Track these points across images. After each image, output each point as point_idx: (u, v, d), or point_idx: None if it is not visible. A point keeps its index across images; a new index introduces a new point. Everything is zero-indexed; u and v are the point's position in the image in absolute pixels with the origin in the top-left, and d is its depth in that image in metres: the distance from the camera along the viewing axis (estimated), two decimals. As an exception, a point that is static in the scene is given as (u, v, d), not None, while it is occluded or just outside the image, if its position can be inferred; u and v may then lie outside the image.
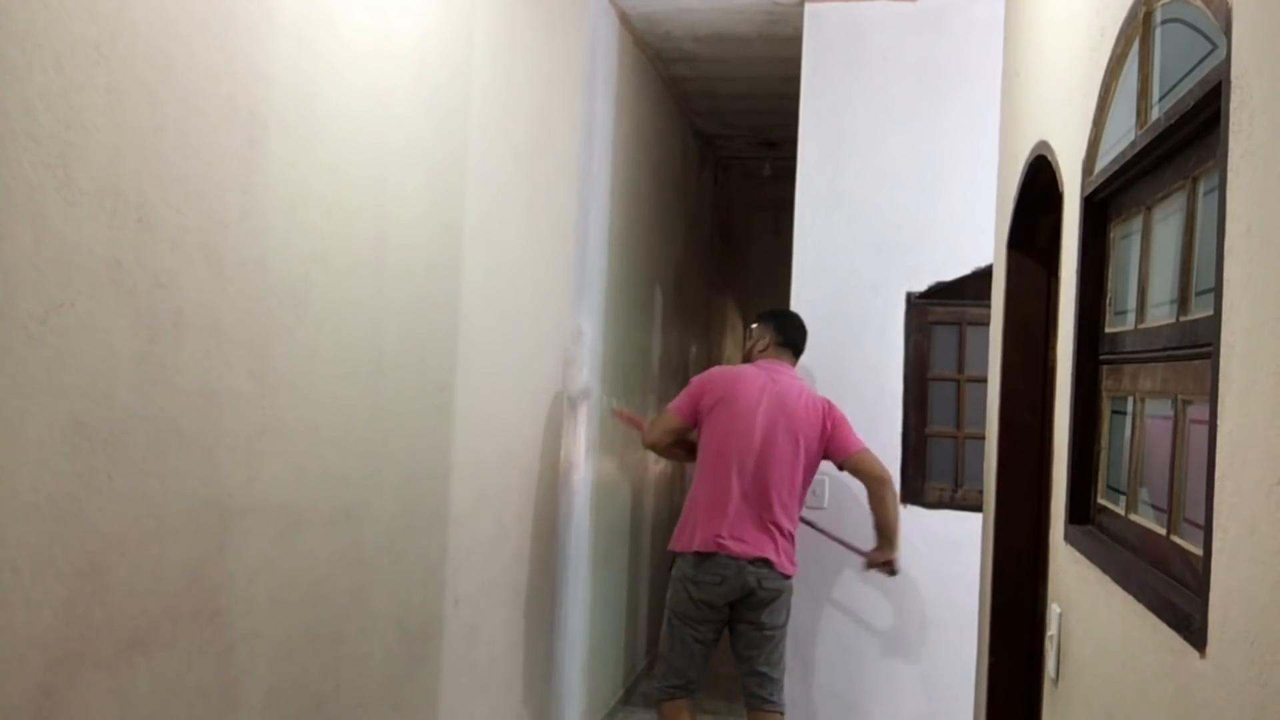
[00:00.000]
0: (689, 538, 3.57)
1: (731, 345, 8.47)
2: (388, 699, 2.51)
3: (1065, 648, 1.87)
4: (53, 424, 1.43)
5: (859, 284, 4.12)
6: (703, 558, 3.53)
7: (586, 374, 4.08)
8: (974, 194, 3.79)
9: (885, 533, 3.69)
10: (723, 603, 3.55)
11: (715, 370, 3.80)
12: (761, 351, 3.77)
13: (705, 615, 3.57)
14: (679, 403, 3.71)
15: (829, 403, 3.69)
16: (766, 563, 3.52)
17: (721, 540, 3.50)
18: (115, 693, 1.57)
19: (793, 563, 3.61)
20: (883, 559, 3.72)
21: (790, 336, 3.80)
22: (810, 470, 3.66)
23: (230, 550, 1.85)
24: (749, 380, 3.65)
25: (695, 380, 3.76)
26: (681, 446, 3.80)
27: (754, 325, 3.90)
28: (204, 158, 1.72)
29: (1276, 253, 0.95)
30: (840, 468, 3.71)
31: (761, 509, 3.53)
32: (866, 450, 3.66)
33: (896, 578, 4.00)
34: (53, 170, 1.40)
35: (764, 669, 3.60)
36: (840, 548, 3.93)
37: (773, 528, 3.53)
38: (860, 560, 3.81)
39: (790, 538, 3.59)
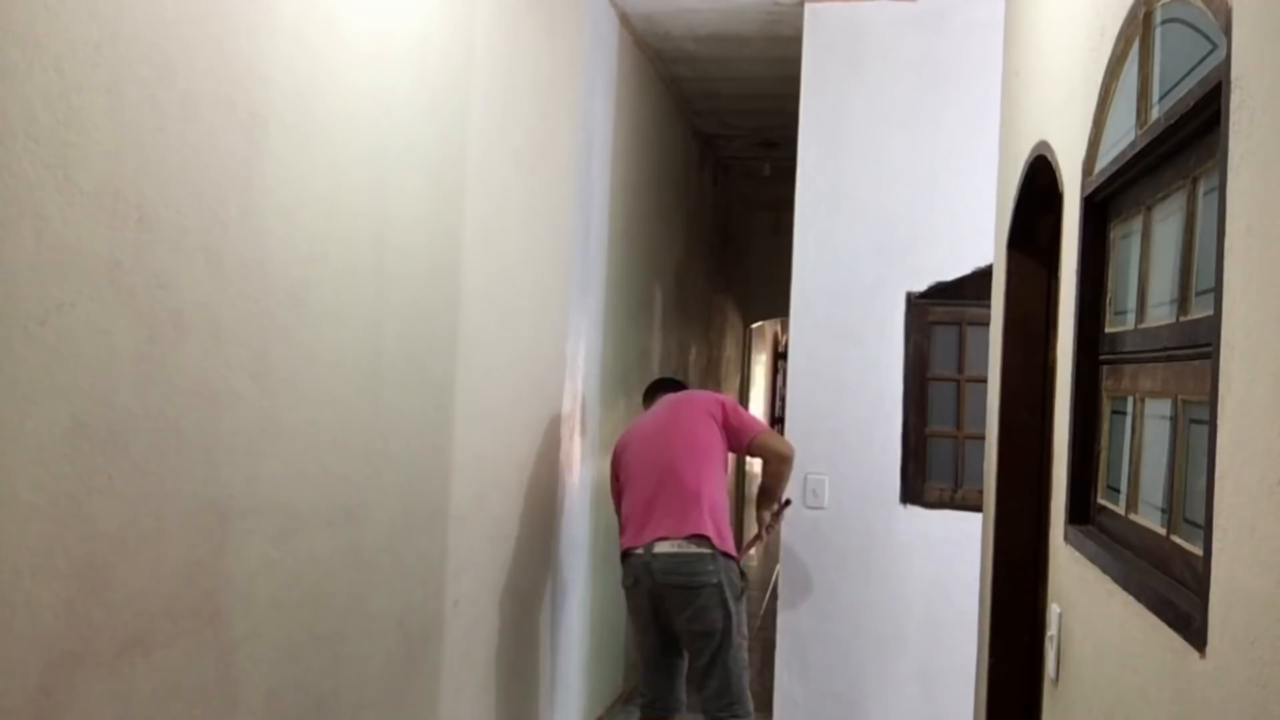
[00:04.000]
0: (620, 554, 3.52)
1: (731, 344, 8.47)
2: (388, 699, 2.51)
3: (1065, 648, 1.87)
4: (53, 424, 1.43)
5: (859, 284, 4.11)
6: (624, 561, 3.46)
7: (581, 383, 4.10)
8: (974, 194, 3.78)
9: (767, 496, 3.78)
10: (648, 606, 3.41)
11: (622, 437, 3.78)
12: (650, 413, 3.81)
13: (643, 620, 3.47)
14: (612, 495, 3.74)
15: (722, 398, 3.75)
16: (681, 546, 3.34)
17: (637, 536, 3.42)
18: (115, 693, 1.57)
19: (721, 538, 3.38)
20: (769, 516, 3.82)
21: (649, 392, 3.99)
22: (717, 454, 3.56)
23: (230, 550, 1.85)
24: (630, 427, 3.76)
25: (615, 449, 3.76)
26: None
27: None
28: (204, 158, 1.72)
29: (1276, 253, 0.95)
30: (745, 451, 3.69)
31: (673, 493, 3.41)
32: (769, 430, 3.72)
33: (896, 577, 4.01)
34: (53, 170, 1.40)
35: (712, 680, 3.34)
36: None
37: (690, 514, 3.38)
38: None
39: (717, 521, 3.41)
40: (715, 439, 3.56)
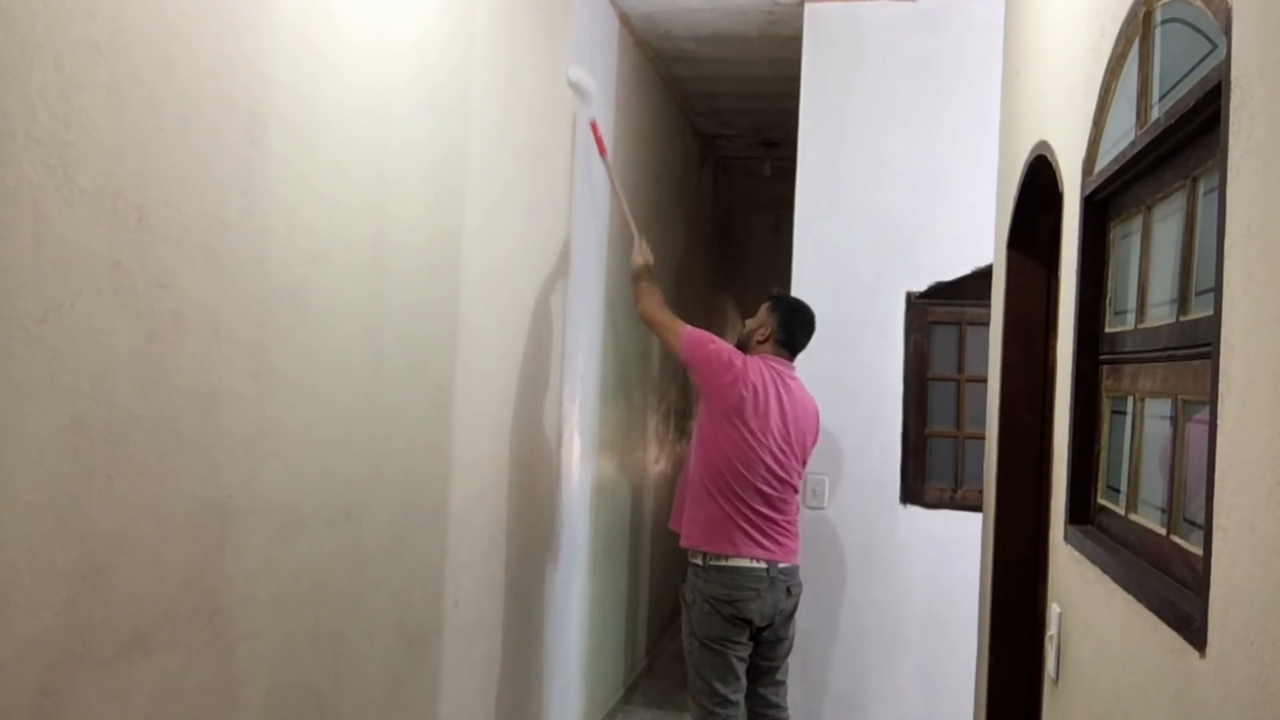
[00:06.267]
0: (717, 549, 3.35)
1: (730, 344, 8.46)
2: (388, 699, 2.51)
3: (1065, 648, 1.87)
4: (53, 424, 1.43)
5: (859, 284, 4.11)
6: (738, 574, 3.33)
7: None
8: (974, 194, 3.79)
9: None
10: (760, 621, 3.35)
11: (750, 362, 3.43)
12: (760, 343, 3.52)
13: (742, 632, 3.35)
14: (720, 349, 3.42)
15: (818, 419, 3.61)
16: (793, 568, 3.43)
17: (764, 550, 3.34)
18: (115, 693, 1.57)
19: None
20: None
21: (793, 337, 3.54)
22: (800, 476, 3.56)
23: (230, 550, 1.85)
24: (769, 387, 3.41)
25: (731, 351, 3.43)
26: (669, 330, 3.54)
27: (764, 306, 3.60)
28: (204, 158, 1.72)
29: (1276, 253, 0.95)
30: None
31: (782, 516, 3.40)
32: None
33: (896, 577, 4.01)
34: (53, 170, 1.40)
35: (781, 677, 3.53)
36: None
37: (792, 532, 3.43)
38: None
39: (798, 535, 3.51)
40: (809, 454, 3.55)
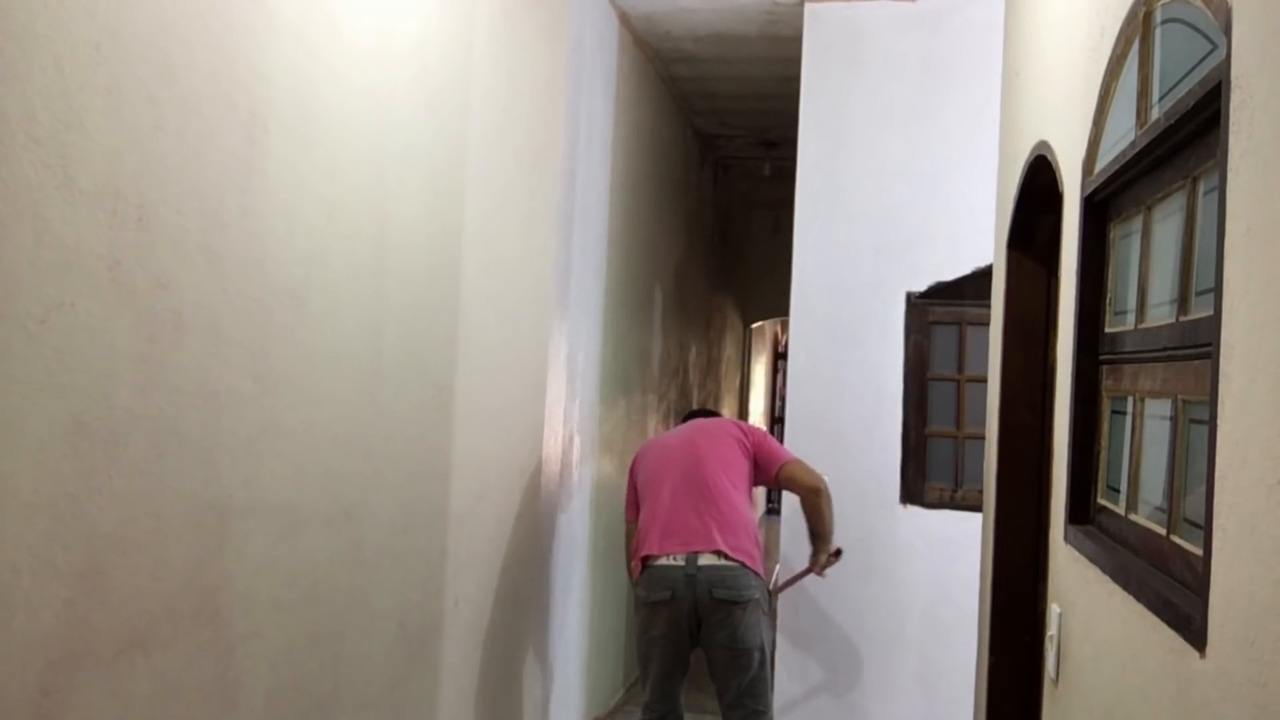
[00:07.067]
0: (637, 562, 3.36)
1: (731, 344, 8.47)
2: (388, 699, 2.51)
3: (1065, 648, 1.87)
4: (53, 424, 1.43)
5: (859, 284, 4.11)
6: (648, 571, 3.28)
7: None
8: (974, 194, 3.79)
9: (819, 535, 3.56)
10: (683, 622, 3.23)
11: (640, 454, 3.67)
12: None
13: (666, 638, 3.26)
14: (627, 505, 3.60)
15: (742, 423, 3.69)
16: (718, 555, 3.22)
17: (663, 542, 3.27)
18: (115, 693, 1.57)
19: (754, 560, 3.30)
20: (824, 558, 3.60)
21: (689, 416, 3.90)
22: (747, 479, 3.48)
23: (230, 550, 1.85)
24: (654, 441, 3.69)
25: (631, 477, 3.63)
26: None
27: None
28: (204, 158, 1.72)
29: (1276, 253, 0.95)
30: (775, 483, 3.57)
31: (701, 503, 3.31)
32: (797, 460, 3.53)
33: (896, 577, 4.00)
34: (53, 170, 1.40)
35: (748, 701, 3.26)
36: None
37: (717, 518, 3.28)
38: (814, 577, 3.71)
39: (747, 533, 3.33)
40: (744, 461, 3.50)
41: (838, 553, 3.65)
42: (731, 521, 3.30)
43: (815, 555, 3.61)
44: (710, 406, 5.09)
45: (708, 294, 7.17)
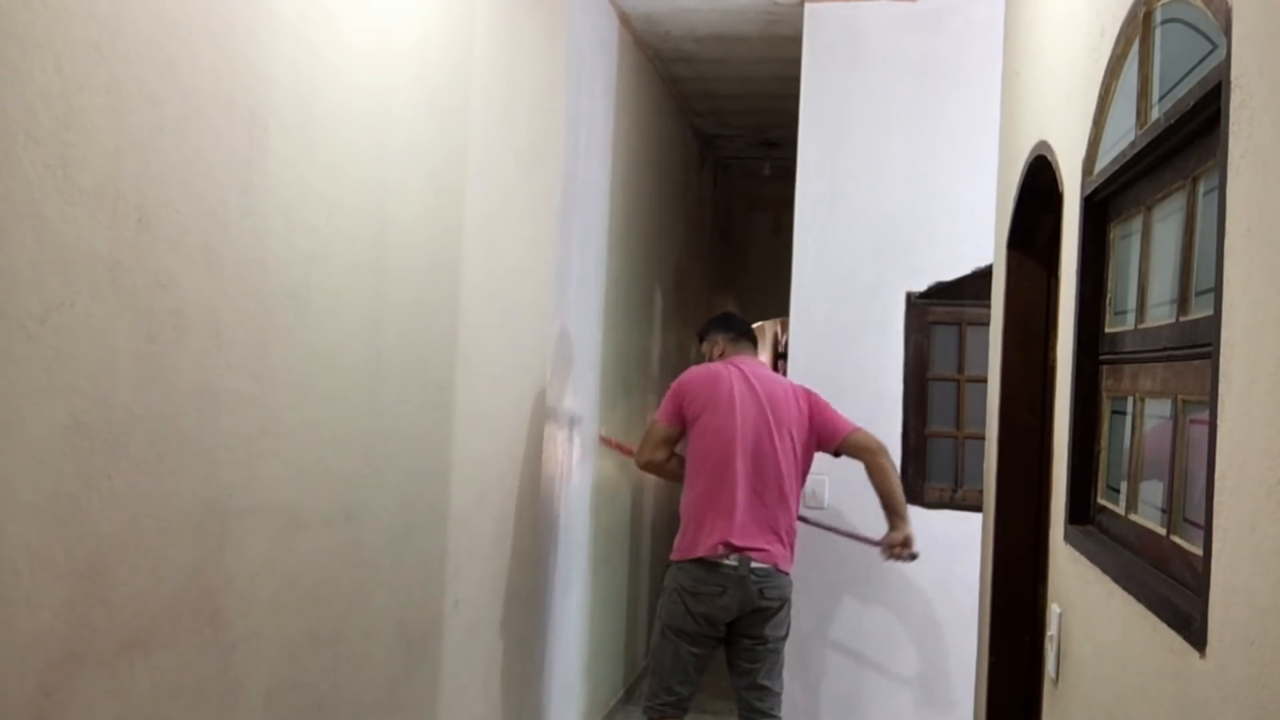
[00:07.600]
0: (690, 544, 3.38)
1: (731, 345, 8.45)
2: (388, 699, 2.51)
3: (1065, 648, 1.87)
4: (53, 424, 1.43)
5: (859, 284, 4.11)
6: (705, 566, 3.34)
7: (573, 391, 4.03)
8: (974, 194, 3.79)
9: (892, 507, 3.49)
10: (725, 618, 3.36)
11: (692, 372, 3.59)
12: (721, 355, 3.66)
13: (704, 630, 3.38)
14: (663, 411, 3.55)
15: (806, 389, 3.59)
16: (772, 569, 3.36)
17: (730, 543, 3.32)
18: (115, 693, 1.57)
19: (791, 562, 3.46)
20: (899, 540, 3.50)
21: (738, 329, 3.73)
22: (806, 462, 3.52)
23: (230, 550, 1.85)
24: (726, 378, 3.48)
25: (674, 385, 3.59)
26: (674, 461, 3.59)
27: (703, 342, 3.80)
28: (204, 158, 1.72)
29: (1276, 253, 0.95)
30: (837, 453, 3.55)
31: (765, 510, 3.38)
32: (860, 429, 3.52)
33: (897, 577, 4.00)
34: (53, 170, 1.40)
35: (765, 682, 3.44)
36: (853, 543, 3.78)
37: (778, 530, 3.40)
38: (876, 552, 3.61)
39: (792, 538, 3.46)
40: (808, 445, 3.50)
41: (914, 555, 3.56)
42: (787, 525, 3.45)
43: (891, 533, 3.53)
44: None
45: (708, 294, 7.17)
